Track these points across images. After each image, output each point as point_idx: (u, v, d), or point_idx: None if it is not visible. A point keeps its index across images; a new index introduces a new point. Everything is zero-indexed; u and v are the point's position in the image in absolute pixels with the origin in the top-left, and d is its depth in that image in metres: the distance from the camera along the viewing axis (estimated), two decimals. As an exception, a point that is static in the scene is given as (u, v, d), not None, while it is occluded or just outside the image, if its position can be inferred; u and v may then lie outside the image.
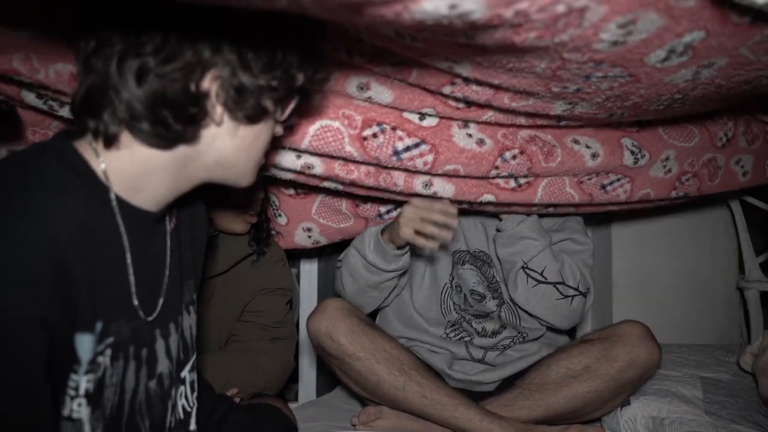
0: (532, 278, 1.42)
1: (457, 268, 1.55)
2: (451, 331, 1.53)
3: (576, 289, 1.42)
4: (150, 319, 0.80)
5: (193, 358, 0.92)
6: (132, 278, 0.77)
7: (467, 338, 1.53)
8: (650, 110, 1.02)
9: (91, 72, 0.70)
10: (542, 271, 1.42)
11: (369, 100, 1.04)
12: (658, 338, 1.34)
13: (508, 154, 1.17)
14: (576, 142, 1.25)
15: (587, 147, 1.25)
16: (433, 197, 1.24)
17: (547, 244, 1.44)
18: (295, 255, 1.85)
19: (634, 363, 1.30)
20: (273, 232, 1.55)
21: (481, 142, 1.14)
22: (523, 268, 1.43)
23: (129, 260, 0.76)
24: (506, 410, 1.33)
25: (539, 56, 0.73)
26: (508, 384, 1.44)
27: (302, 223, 1.55)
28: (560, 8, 0.61)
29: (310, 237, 1.57)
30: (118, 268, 0.75)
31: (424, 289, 1.56)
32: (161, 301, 0.83)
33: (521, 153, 1.18)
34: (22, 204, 0.64)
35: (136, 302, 0.78)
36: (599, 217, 1.81)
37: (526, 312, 1.48)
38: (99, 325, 0.71)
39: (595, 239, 1.55)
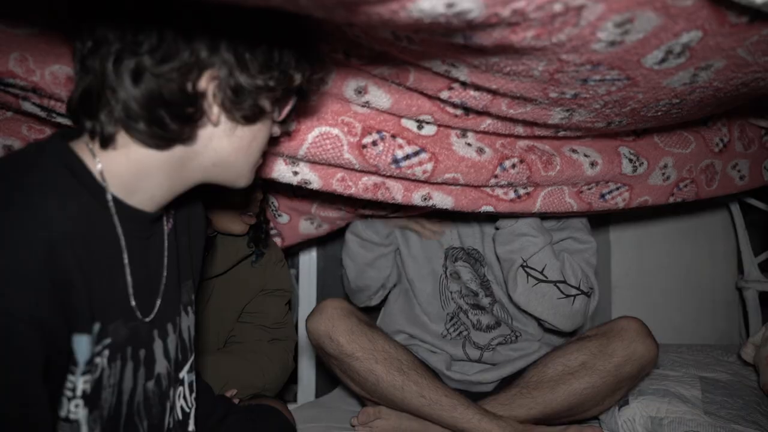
0: (533, 277, 1.40)
1: (450, 263, 1.55)
2: (451, 326, 1.53)
3: (578, 288, 1.40)
4: (148, 319, 0.80)
5: (192, 358, 0.92)
6: (129, 279, 0.77)
7: (465, 332, 1.52)
8: (648, 116, 1.01)
9: (88, 72, 0.70)
10: (542, 270, 1.40)
11: (367, 104, 1.03)
12: (658, 339, 1.33)
13: (507, 163, 1.16)
14: (574, 151, 1.24)
15: (585, 156, 1.24)
16: (431, 209, 1.25)
17: (548, 241, 1.42)
18: (295, 255, 1.85)
19: (631, 358, 1.29)
20: (273, 232, 1.55)
21: (480, 150, 1.14)
22: (522, 266, 1.41)
23: (126, 261, 0.76)
24: (504, 409, 1.33)
25: (537, 58, 0.73)
26: (506, 383, 1.44)
27: (304, 215, 1.56)
28: (557, 6, 0.61)
29: (312, 223, 1.58)
30: (116, 268, 0.75)
31: (424, 282, 1.57)
32: (159, 301, 0.83)
33: (521, 162, 1.17)
34: (20, 205, 0.64)
35: (133, 303, 0.78)
36: (598, 219, 1.81)
37: (527, 313, 1.47)
38: (96, 326, 0.71)
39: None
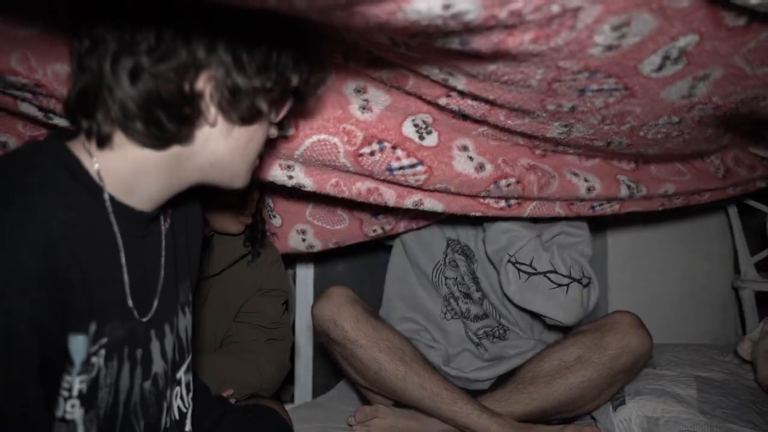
0: (523, 271, 1.40)
1: (451, 252, 1.57)
2: (446, 304, 1.56)
3: (569, 277, 1.39)
4: (145, 319, 0.80)
5: (189, 358, 0.92)
6: (126, 278, 0.76)
7: (460, 314, 1.54)
8: (648, 139, 1.01)
9: (85, 71, 0.70)
10: (531, 262, 1.40)
11: (366, 103, 1.02)
12: (655, 339, 1.34)
13: (503, 182, 1.16)
14: (575, 174, 1.24)
15: (585, 180, 1.24)
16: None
17: (533, 235, 1.43)
18: (291, 258, 1.85)
19: (626, 350, 1.30)
20: (268, 233, 1.55)
21: (480, 167, 1.13)
22: (510, 261, 1.41)
23: (123, 260, 0.76)
24: (501, 406, 1.33)
25: (534, 65, 0.73)
26: (502, 381, 1.44)
27: (296, 225, 1.55)
28: (554, 8, 0.61)
29: (304, 240, 1.57)
30: (113, 268, 0.75)
31: (424, 261, 1.59)
32: (156, 301, 0.82)
33: (517, 182, 1.18)
34: (19, 205, 0.64)
35: (130, 303, 0.77)
36: (595, 221, 1.81)
37: (526, 311, 1.47)
38: (93, 326, 0.71)
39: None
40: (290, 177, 1.09)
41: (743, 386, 1.44)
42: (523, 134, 1.05)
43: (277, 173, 1.08)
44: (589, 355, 1.31)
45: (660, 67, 0.75)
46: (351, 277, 2.02)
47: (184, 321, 0.91)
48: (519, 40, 0.66)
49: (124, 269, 0.76)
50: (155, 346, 0.83)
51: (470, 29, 0.63)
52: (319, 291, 1.89)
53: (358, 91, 1.00)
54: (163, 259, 0.84)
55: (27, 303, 0.62)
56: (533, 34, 0.65)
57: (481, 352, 1.53)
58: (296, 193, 1.47)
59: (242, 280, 1.44)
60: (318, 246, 1.60)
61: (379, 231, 1.59)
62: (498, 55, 0.70)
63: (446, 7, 0.56)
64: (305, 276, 1.90)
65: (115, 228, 0.74)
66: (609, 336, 1.31)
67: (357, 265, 2.04)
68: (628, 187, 1.28)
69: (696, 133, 1.04)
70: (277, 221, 1.56)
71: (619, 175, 1.28)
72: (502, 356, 1.51)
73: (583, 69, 0.74)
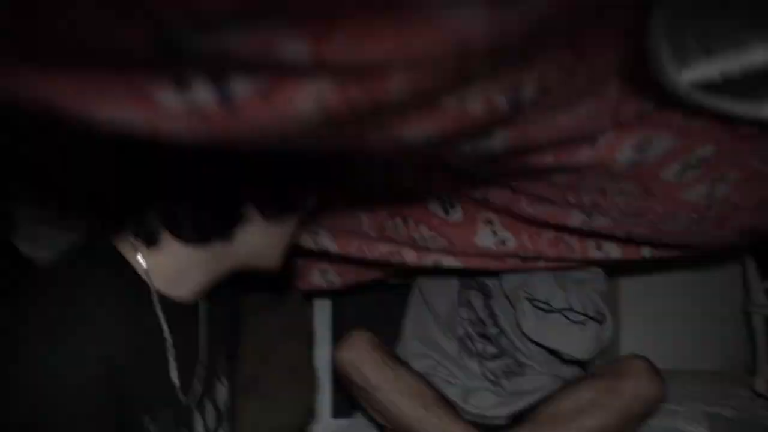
0: (540, 309, 1.44)
1: (465, 290, 1.61)
2: (462, 345, 1.59)
3: (585, 314, 1.43)
4: (189, 400, 0.85)
5: (225, 424, 0.97)
6: (174, 368, 0.81)
7: (474, 351, 1.58)
8: (666, 230, 1.03)
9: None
10: (547, 300, 1.44)
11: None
12: (665, 365, 1.38)
13: (521, 252, 1.20)
14: (598, 248, 1.27)
15: (607, 252, 1.28)
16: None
17: (550, 272, 1.46)
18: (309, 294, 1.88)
19: (639, 397, 1.34)
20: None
21: (502, 242, 1.16)
22: (527, 299, 1.45)
23: (170, 351, 0.80)
24: None
25: (558, 171, 0.76)
26: (518, 418, 1.49)
27: (318, 265, 1.60)
28: (575, 136, 0.65)
29: (325, 278, 1.62)
30: (161, 362, 0.80)
31: (439, 300, 1.63)
32: (198, 381, 0.87)
33: (534, 252, 1.21)
34: (71, 317, 0.68)
35: (177, 387, 0.82)
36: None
37: (542, 346, 1.51)
38: (146, 420, 0.76)
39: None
40: (315, 242, 1.14)
41: (756, 424, 1.47)
42: (546, 223, 1.08)
43: (304, 238, 1.13)
44: (603, 399, 1.35)
45: (680, 174, 0.78)
46: (368, 309, 2.04)
47: (222, 390, 0.96)
48: (542, 160, 0.69)
49: (171, 359, 0.81)
50: (198, 421, 0.88)
51: (497, 155, 0.67)
52: (337, 323, 1.93)
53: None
54: (202, 340, 0.89)
55: (87, 418, 0.66)
56: (553, 156, 0.68)
57: (498, 390, 1.57)
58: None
59: (266, 322, 1.48)
60: (338, 283, 1.64)
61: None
62: (522, 167, 0.73)
63: (474, 149, 0.60)
64: (323, 306, 1.94)
65: (162, 322, 0.79)
66: (624, 382, 1.35)
67: (374, 298, 2.06)
68: (646, 257, 1.31)
69: (716, 236, 1.07)
70: (300, 262, 1.60)
71: (643, 249, 1.31)
72: (519, 392, 1.55)
73: (605, 173, 0.77)
